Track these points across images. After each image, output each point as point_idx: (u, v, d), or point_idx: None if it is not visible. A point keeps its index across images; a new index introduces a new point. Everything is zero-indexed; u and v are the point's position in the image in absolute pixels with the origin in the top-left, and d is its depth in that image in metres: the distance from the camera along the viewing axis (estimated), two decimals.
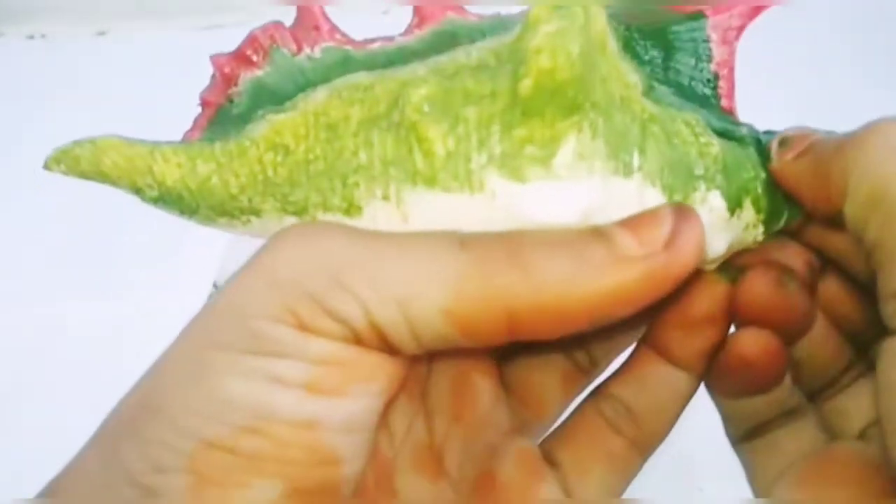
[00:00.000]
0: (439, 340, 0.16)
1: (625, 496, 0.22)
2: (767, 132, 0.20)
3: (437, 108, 0.17)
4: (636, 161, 0.18)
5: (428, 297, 0.15)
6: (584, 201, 0.17)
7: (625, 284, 0.16)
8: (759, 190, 0.19)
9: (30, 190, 0.57)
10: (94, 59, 0.67)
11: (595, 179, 0.17)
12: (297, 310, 0.15)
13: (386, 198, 0.18)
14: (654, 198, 0.18)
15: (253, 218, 0.20)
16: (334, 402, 0.16)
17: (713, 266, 0.19)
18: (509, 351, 0.22)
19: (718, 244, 0.19)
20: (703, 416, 0.42)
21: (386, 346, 0.16)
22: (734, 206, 0.19)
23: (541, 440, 0.21)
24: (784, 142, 0.19)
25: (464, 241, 0.16)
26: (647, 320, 0.20)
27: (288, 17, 0.22)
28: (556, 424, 0.21)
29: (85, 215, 0.55)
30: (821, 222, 0.19)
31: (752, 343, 0.19)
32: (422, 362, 0.20)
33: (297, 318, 0.15)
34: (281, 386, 0.15)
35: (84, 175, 0.20)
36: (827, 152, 0.18)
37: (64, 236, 0.53)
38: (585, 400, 0.21)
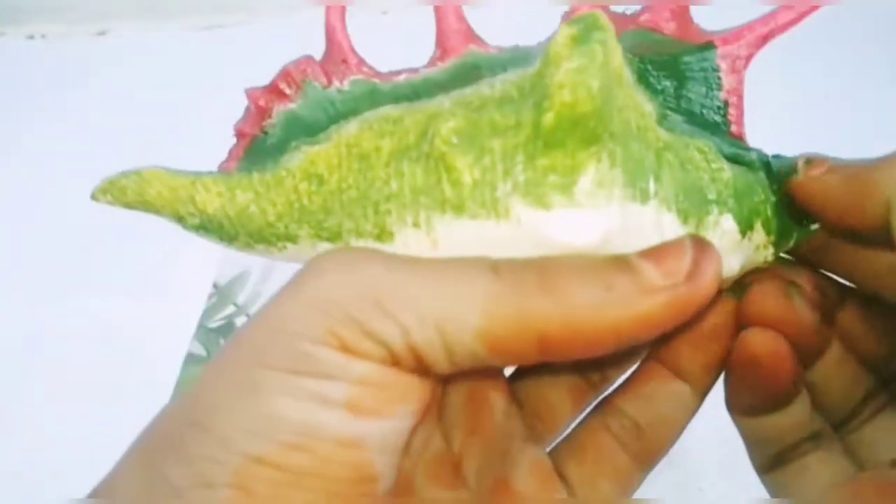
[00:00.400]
0: (472, 360, 0.17)
1: None
2: (776, 156, 0.21)
3: (465, 140, 0.18)
4: (652, 187, 0.18)
5: (463, 320, 0.16)
6: (604, 226, 0.18)
7: (650, 312, 0.17)
8: (769, 212, 0.20)
9: (30, 189, 0.57)
10: (94, 59, 0.67)
11: (614, 206, 0.18)
12: (341, 333, 0.16)
13: (416, 225, 0.19)
14: (669, 222, 0.19)
15: (289, 244, 0.20)
16: (375, 422, 0.17)
17: (725, 286, 0.20)
18: (521, 366, 0.23)
19: (731, 265, 0.20)
20: (702, 415, 0.42)
21: (420, 367, 0.17)
22: (746, 228, 0.19)
23: (549, 450, 0.22)
24: (811, 160, 0.19)
25: (496, 267, 0.17)
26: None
27: (309, 44, 0.22)
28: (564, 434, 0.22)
29: (84, 215, 0.55)
30: (845, 241, 0.19)
31: (758, 341, 0.19)
32: (437, 381, 0.21)
33: (340, 341, 0.16)
34: (326, 405, 0.16)
35: (129, 205, 0.21)
36: (862, 169, 0.18)
37: (64, 236, 0.53)
38: (592, 414, 0.22)
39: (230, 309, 0.48)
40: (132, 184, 0.21)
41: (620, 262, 0.17)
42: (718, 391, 0.41)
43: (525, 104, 0.18)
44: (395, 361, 0.17)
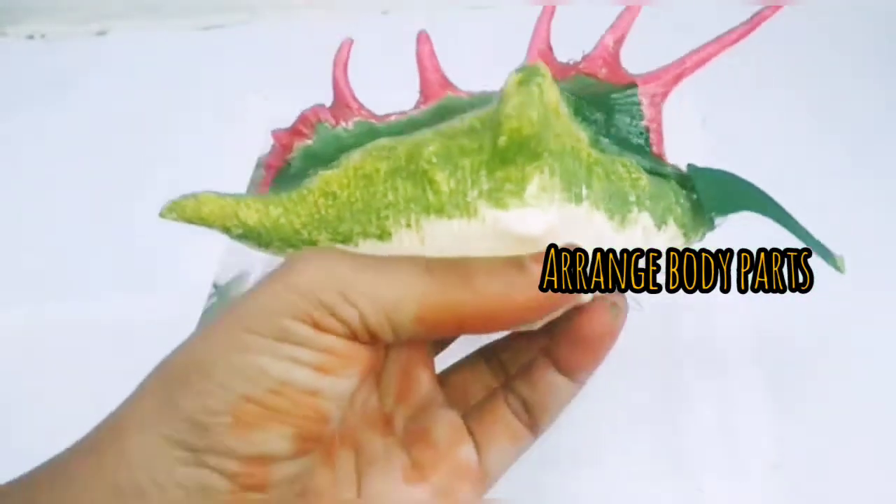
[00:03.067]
0: (411, 335, 0.23)
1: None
2: (690, 166, 0.27)
3: (442, 159, 0.24)
4: (584, 192, 0.24)
5: (404, 307, 0.22)
6: (547, 221, 0.24)
7: (534, 302, 0.23)
8: (680, 212, 0.26)
9: (30, 189, 0.57)
10: (94, 59, 0.67)
11: (554, 206, 0.24)
12: (313, 313, 0.22)
13: (409, 226, 0.25)
14: (600, 218, 0.24)
15: (311, 247, 0.26)
16: (333, 379, 0.22)
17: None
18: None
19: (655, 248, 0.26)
20: (702, 415, 0.42)
21: (372, 340, 0.23)
22: (660, 222, 0.26)
23: (464, 413, 0.28)
24: None
25: (429, 266, 0.23)
26: (543, 340, 0.28)
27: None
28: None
29: (85, 216, 0.55)
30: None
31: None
32: (379, 358, 0.27)
33: (312, 319, 0.22)
34: (298, 364, 0.22)
35: (188, 220, 0.27)
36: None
37: (64, 237, 0.53)
38: (496, 391, 0.29)
39: None
40: (190, 204, 0.27)
41: (517, 263, 0.23)
42: (724, 389, 0.41)
43: (485, 133, 0.24)
44: (353, 336, 0.22)
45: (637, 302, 0.27)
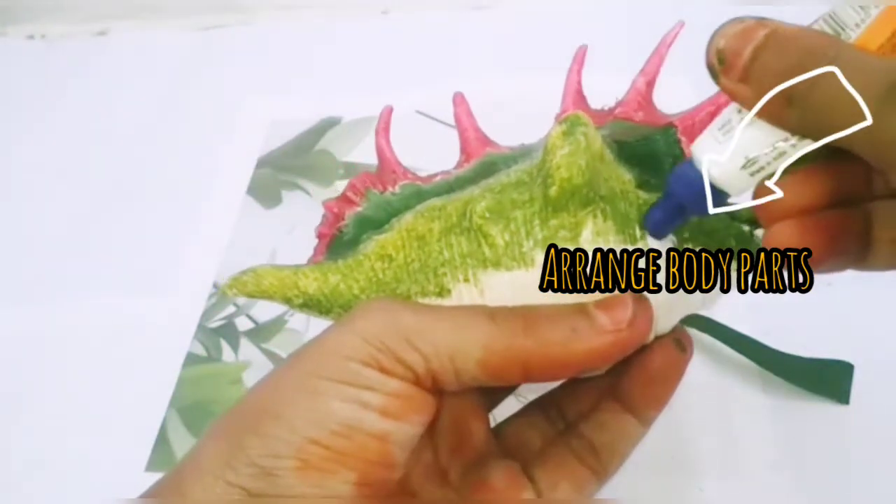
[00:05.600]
0: (473, 382, 0.23)
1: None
2: None
3: (494, 214, 0.25)
4: (638, 233, 0.25)
5: (468, 352, 0.22)
6: None
7: (601, 349, 0.23)
8: (733, 242, 0.26)
9: (30, 190, 0.57)
10: (94, 59, 0.67)
11: (610, 247, 0.24)
12: (380, 358, 0.22)
13: (466, 280, 0.25)
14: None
15: (376, 297, 0.26)
16: (399, 424, 0.22)
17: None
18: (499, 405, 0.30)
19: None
20: (702, 415, 0.42)
21: (435, 387, 0.23)
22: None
23: (523, 463, 0.27)
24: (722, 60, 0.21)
25: (492, 314, 0.23)
26: (604, 383, 0.27)
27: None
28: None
29: (85, 216, 0.55)
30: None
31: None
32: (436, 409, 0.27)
33: (379, 364, 0.22)
34: (365, 408, 0.22)
35: (250, 294, 0.27)
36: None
37: (64, 236, 0.53)
38: (558, 437, 0.28)
39: (230, 309, 0.48)
40: (251, 279, 0.27)
41: (582, 310, 0.23)
42: (724, 389, 0.41)
43: (535, 184, 0.25)
44: (417, 381, 0.23)
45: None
